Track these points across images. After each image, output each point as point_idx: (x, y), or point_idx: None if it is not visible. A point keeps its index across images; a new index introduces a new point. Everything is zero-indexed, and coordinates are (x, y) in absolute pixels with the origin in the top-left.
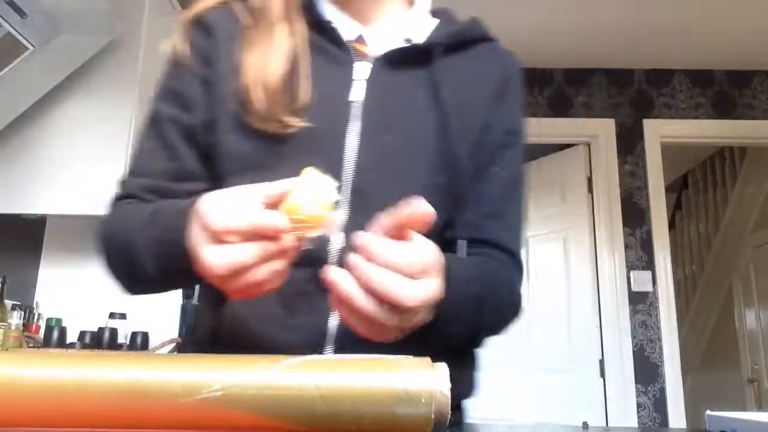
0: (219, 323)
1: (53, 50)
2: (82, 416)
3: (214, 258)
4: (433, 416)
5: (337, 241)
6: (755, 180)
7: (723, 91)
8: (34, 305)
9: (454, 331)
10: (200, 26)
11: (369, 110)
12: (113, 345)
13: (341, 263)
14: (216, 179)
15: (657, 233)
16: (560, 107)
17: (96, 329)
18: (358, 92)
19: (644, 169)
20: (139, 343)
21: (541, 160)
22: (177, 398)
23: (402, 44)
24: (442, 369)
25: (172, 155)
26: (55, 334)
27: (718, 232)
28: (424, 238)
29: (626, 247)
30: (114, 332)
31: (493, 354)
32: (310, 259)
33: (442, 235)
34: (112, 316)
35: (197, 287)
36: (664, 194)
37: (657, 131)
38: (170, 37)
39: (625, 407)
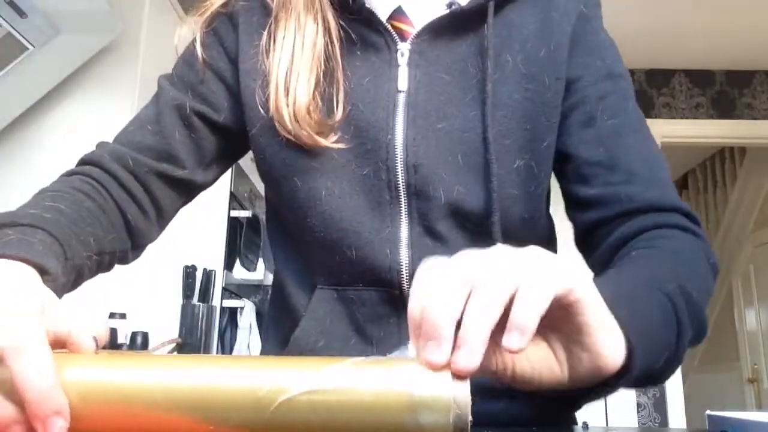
0: (289, 352)
1: (53, 50)
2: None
3: None
4: (452, 426)
5: (404, 257)
6: (755, 180)
7: (723, 91)
8: None
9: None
10: (226, 17)
11: (415, 99)
12: (113, 345)
13: (411, 279)
14: (213, 174)
15: None
16: None
17: None
18: (404, 79)
19: None
20: (139, 343)
21: None
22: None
23: (444, 10)
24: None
25: (159, 132)
26: None
27: (718, 232)
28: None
29: None
30: (114, 332)
31: None
32: (380, 279)
33: (534, 229)
34: (111, 315)
35: (262, 316)
36: None
37: (657, 131)
38: (188, 25)
39: (625, 407)
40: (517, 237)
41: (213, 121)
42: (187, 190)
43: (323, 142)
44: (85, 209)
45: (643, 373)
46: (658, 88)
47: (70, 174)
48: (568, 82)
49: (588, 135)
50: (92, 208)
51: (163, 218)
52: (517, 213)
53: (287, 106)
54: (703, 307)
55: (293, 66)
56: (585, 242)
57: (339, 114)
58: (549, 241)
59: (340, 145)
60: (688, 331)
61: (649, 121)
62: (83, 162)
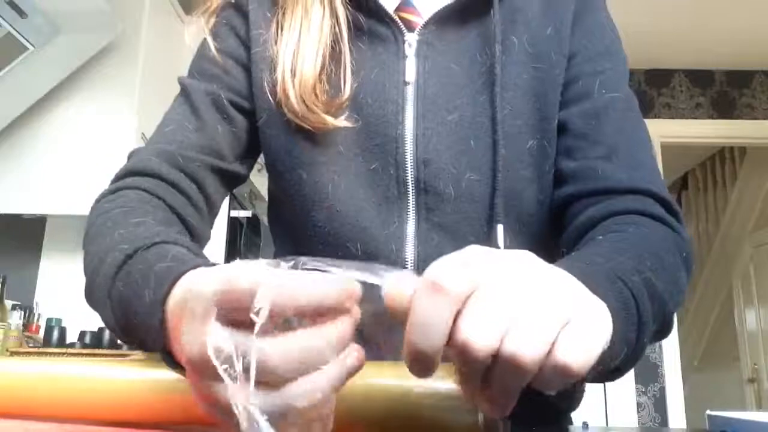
0: None
1: (53, 50)
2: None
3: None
4: (481, 424)
5: (410, 254)
6: (755, 180)
7: (723, 91)
8: (34, 305)
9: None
10: (233, 7)
11: (425, 91)
12: (113, 345)
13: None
14: (247, 166)
15: None
16: None
17: (96, 329)
18: (412, 71)
19: None
20: None
21: None
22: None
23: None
24: None
25: (201, 128)
26: (55, 334)
27: (718, 232)
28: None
29: None
30: None
31: None
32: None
33: (551, 205)
34: None
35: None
36: None
37: (657, 131)
38: (192, 23)
39: (625, 407)
40: (528, 221)
41: (245, 110)
42: (232, 183)
43: (332, 121)
44: (160, 223)
45: (600, 367)
46: (658, 88)
47: (114, 191)
48: (567, 58)
49: (579, 109)
50: (163, 219)
51: (212, 214)
52: (531, 195)
53: (293, 86)
54: (668, 302)
55: (299, 49)
56: (558, 218)
57: (347, 93)
58: (557, 225)
59: (347, 124)
60: (649, 327)
61: (649, 121)
62: (125, 174)
